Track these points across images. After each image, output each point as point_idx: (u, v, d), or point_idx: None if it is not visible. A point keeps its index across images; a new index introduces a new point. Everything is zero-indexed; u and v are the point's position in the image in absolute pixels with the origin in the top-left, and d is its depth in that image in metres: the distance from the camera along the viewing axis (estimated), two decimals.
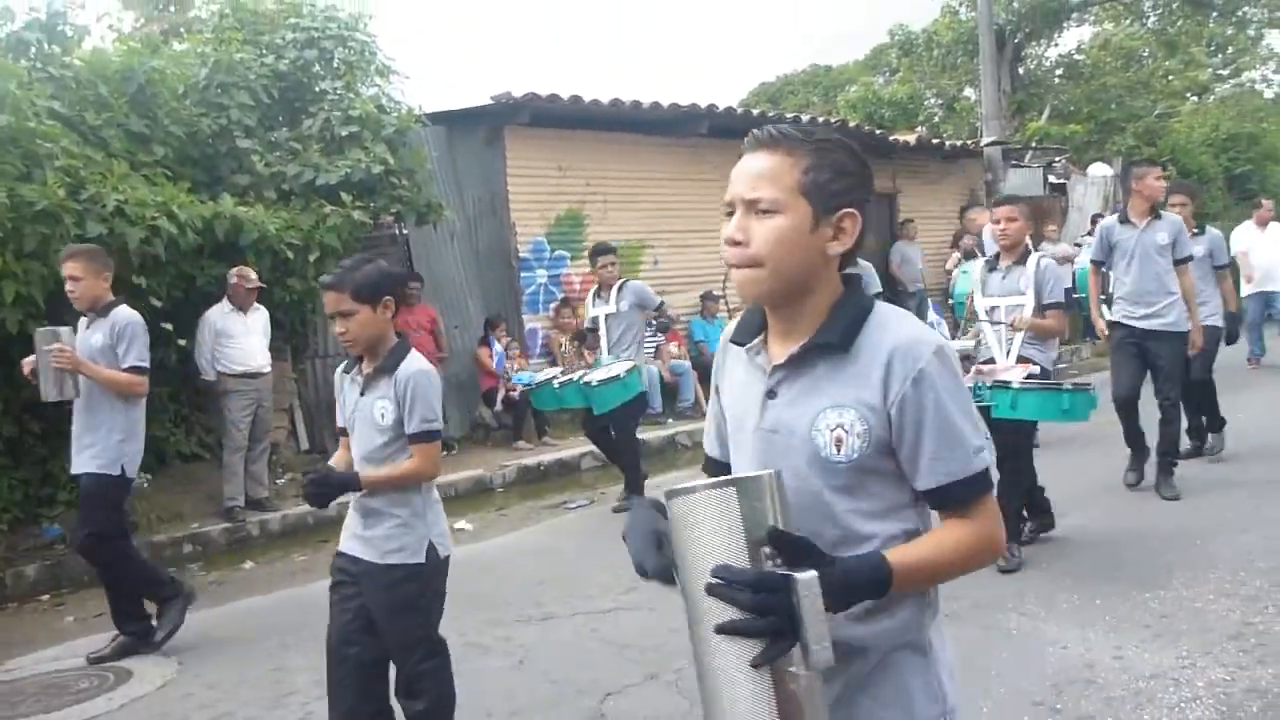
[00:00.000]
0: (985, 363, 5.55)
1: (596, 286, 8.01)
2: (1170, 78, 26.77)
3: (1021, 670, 4.02)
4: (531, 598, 5.49)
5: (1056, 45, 26.51)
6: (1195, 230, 7.45)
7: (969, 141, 16.62)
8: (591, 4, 62.53)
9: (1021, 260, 5.58)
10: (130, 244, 6.88)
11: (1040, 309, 5.49)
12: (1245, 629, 4.29)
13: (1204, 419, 7.74)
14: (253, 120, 8.79)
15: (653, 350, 11.75)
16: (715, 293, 12.70)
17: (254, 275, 8.01)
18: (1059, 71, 26.34)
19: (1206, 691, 3.72)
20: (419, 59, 27.63)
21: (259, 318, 8.13)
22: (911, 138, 15.29)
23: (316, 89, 9.41)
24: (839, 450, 1.64)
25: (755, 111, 14.12)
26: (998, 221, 5.60)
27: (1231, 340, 7.57)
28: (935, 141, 15.95)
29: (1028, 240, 5.72)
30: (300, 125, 9.17)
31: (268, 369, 8.21)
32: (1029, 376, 5.26)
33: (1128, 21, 27.04)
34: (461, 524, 7.56)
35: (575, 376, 7.51)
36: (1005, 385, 5.17)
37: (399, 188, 9.11)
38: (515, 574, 6.09)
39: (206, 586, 6.79)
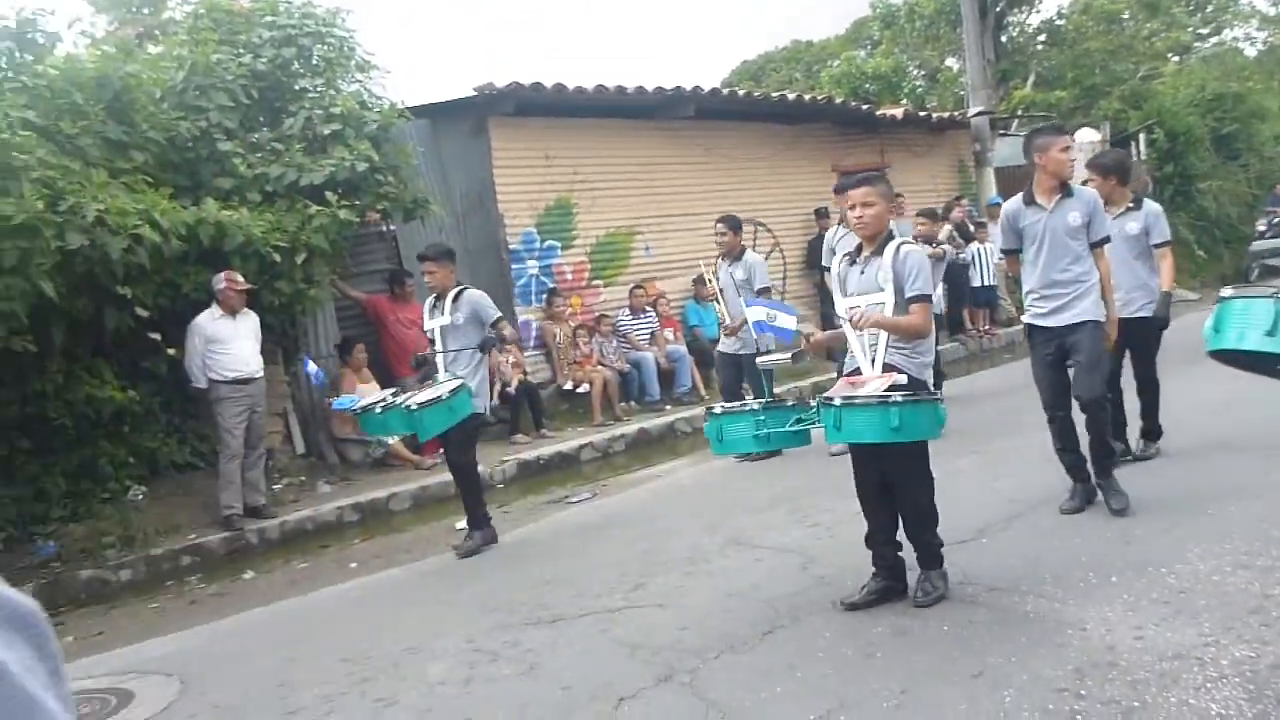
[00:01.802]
0: (852, 374, 4.75)
1: (434, 296, 6.98)
2: (1153, 39, 26.65)
3: (1041, 655, 3.93)
4: (539, 599, 5.39)
5: (1038, 12, 26.37)
6: (1130, 204, 6.56)
7: (956, 112, 16.50)
8: None
9: (880, 250, 4.69)
10: (113, 254, 6.76)
11: (904, 304, 4.62)
12: (1266, 602, 4.20)
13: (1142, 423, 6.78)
14: (233, 122, 8.65)
15: (648, 336, 11.67)
16: (707, 276, 12.59)
17: (242, 278, 7.90)
18: (1041, 38, 26.18)
19: (1232, 670, 3.64)
20: (400, 52, 27.42)
21: (249, 322, 8.02)
22: (898, 111, 15.17)
23: (296, 87, 9.26)
24: None
25: (740, 92, 14.00)
26: (852, 207, 4.72)
27: (1162, 325, 6.65)
28: (922, 114, 15.83)
29: (892, 225, 4.86)
30: (281, 125, 9.02)
31: (260, 373, 8.10)
32: (892, 387, 4.41)
33: None
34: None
35: (400, 400, 6.49)
36: (829, 402, 4.35)
37: (384, 184, 8.99)
38: (521, 574, 6.00)
39: (206, 599, 6.71)
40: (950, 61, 27.19)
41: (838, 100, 14.80)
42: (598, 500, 8.00)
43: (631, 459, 9.69)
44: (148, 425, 8.16)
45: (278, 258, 8.14)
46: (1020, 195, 5.79)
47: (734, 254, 8.65)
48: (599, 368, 11.02)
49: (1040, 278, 5.64)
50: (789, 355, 5.15)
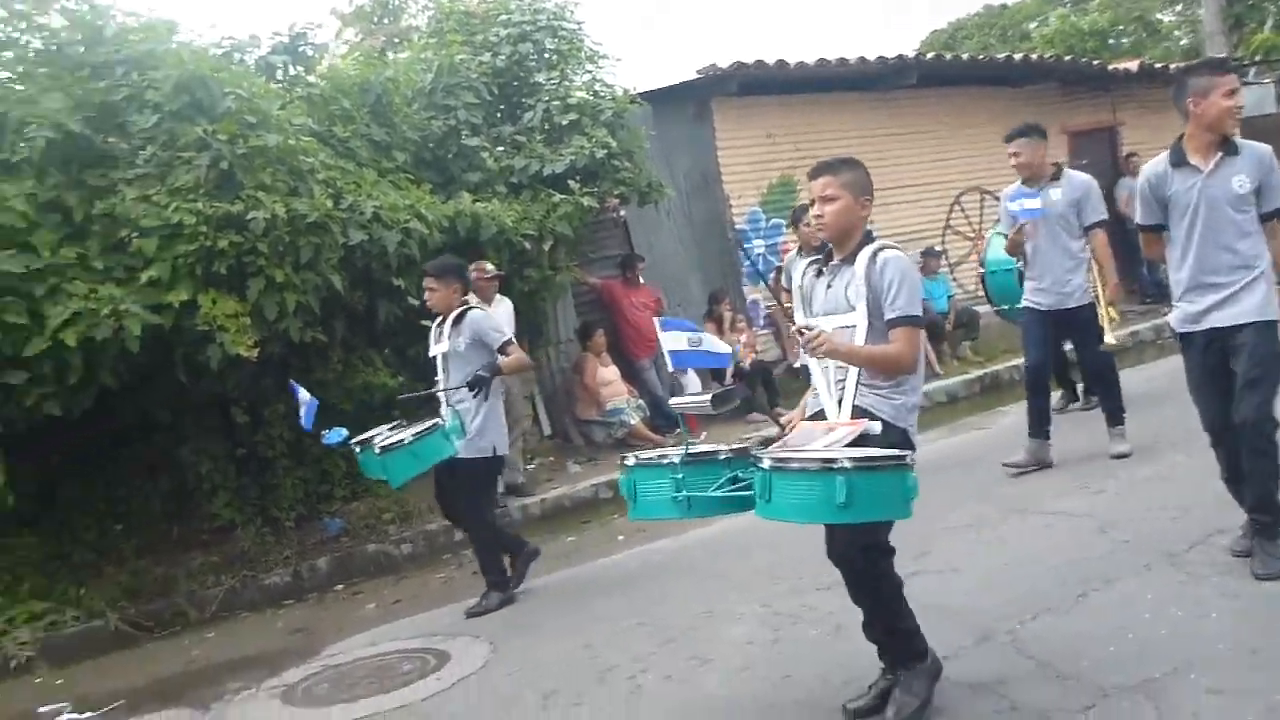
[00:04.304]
0: (815, 417, 3.72)
1: (438, 320, 6.21)
2: None
3: None
4: (819, 567, 5.41)
5: None
6: None
7: (1194, 63, 15.57)
8: None
9: (852, 257, 3.64)
10: (389, 247, 7.17)
11: (881, 328, 3.56)
12: None
13: None
14: (478, 118, 9.04)
15: None
16: (936, 248, 12.37)
17: (490, 266, 8.23)
18: None
19: None
20: (618, 40, 27.71)
21: (503, 308, 8.35)
22: (1133, 65, 14.46)
23: (532, 81, 9.59)
24: None
25: (965, 56, 13.63)
26: (811, 204, 3.75)
27: None
28: (1159, 67, 15.01)
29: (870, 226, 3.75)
30: (521, 118, 9.37)
31: None
32: (862, 438, 3.40)
33: None
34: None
35: (376, 441, 5.72)
36: (758, 462, 3.27)
37: (621, 170, 9.21)
38: (795, 545, 6.00)
39: None
40: (1162, 15, 25.71)
41: (1066, 59, 14.22)
42: None
43: None
44: (416, 410, 8.61)
45: (527, 245, 8.47)
46: (1165, 155, 4.54)
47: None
48: None
49: (1195, 264, 4.41)
50: (708, 399, 3.90)
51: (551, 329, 10.04)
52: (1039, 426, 6.81)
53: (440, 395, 6.00)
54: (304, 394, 5.89)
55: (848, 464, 3.08)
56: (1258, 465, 4.33)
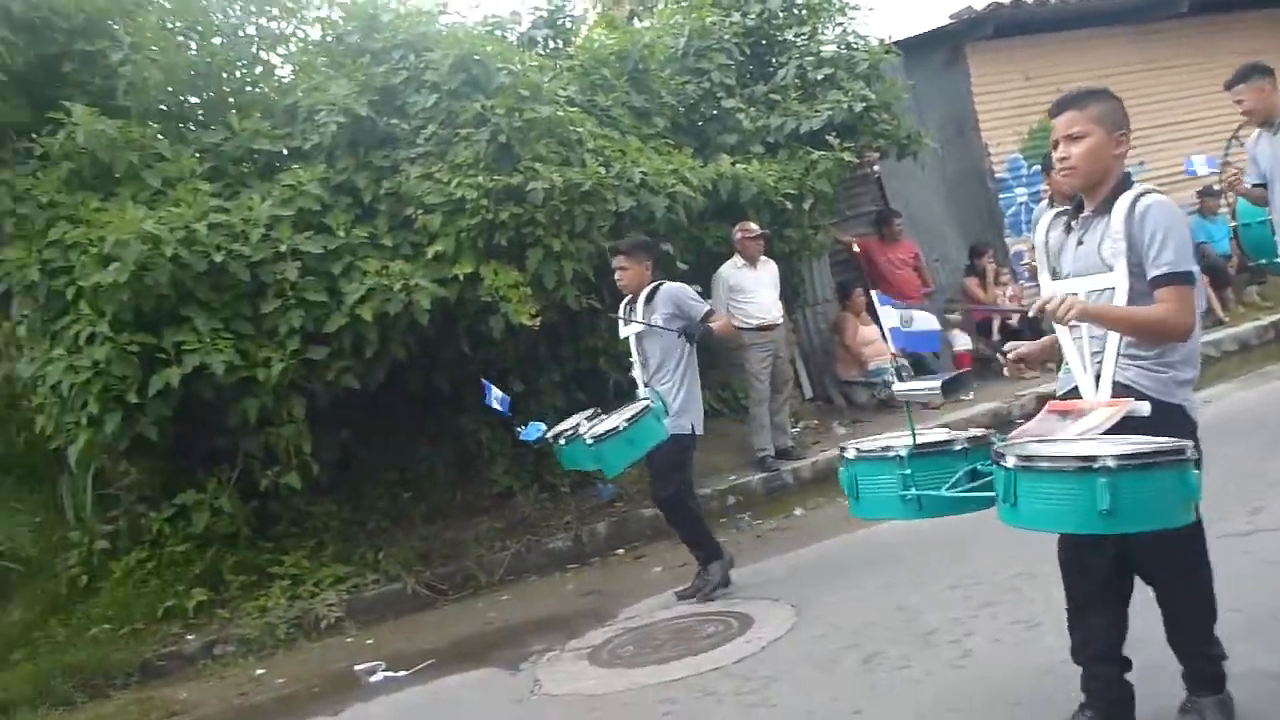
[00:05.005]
0: (1066, 396, 3.16)
1: (627, 299, 5.97)
2: None
3: None
4: None
5: None
6: None
7: None
8: None
9: (1107, 207, 3.03)
10: (657, 213, 7.18)
11: (1144, 288, 2.95)
12: None
13: None
14: (731, 79, 8.94)
15: None
16: (1215, 187, 11.41)
17: (754, 226, 8.11)
18: None
19: None
20: None
21: (769, 270, 8.25)
22: None
23: (781, 39, 9.40)
24: None
25: None
26: (1055, 145, 3.13)
27: None
28: None
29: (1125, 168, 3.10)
30: (774, 77, 9.20)
31: (780, 320, 8.33)
32: (1124, 424, 2.86)
33: None
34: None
35: (583, 431, 5.41)
36: (1000, 459, 2.73)
37: (879, 123, 8.91)
38: None
39: (768, 534, 6.99)
40: None
41: None
42: None
43: None
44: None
45: (788, 205, 8.31)
46: None
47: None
48: None
49: None
50: (937, 384, 3.51)
51: (808, 290, 9.87)
52: None
53: (638, 377, 5.84)
54: (496, 391, 5.81)
55: (1111, 462, 2.51)
56: None
